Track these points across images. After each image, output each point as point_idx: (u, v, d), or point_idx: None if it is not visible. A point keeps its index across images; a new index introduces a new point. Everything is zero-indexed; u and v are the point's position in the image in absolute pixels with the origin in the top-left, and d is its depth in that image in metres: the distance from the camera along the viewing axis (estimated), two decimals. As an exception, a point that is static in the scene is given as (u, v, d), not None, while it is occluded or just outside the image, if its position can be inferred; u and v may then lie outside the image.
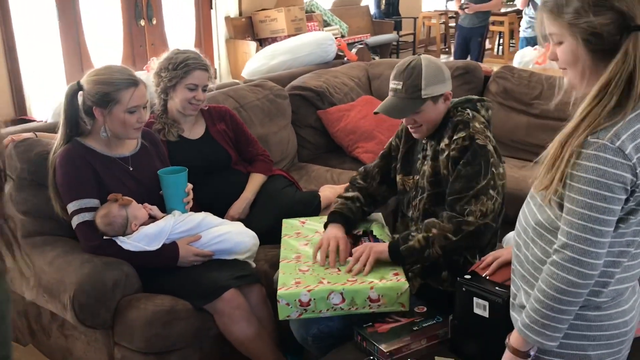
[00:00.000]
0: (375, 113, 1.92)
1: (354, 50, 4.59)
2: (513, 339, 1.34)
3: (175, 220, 2.07)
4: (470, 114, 1.86)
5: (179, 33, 5.78)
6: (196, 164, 2.36)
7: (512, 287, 1.43)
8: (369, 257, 1.81)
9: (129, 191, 2.09)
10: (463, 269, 1.89)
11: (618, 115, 1.17)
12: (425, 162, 1.93)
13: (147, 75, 2.87)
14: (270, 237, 2.30)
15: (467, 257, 1.92)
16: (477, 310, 1.59)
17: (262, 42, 6.39)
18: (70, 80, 4.09)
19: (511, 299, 1.42)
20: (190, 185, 2.20)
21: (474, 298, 1.59)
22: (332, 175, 3.01)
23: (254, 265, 2.20)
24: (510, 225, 2.58)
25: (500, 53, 9.45)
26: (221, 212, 2.40)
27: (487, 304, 1.56)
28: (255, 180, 2.61)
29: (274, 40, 6.43)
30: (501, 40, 9.49)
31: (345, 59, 4.19)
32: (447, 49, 9.83)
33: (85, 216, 2.00)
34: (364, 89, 3.72)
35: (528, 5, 4.56)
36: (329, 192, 2.73)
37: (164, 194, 2.17)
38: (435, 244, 1.76)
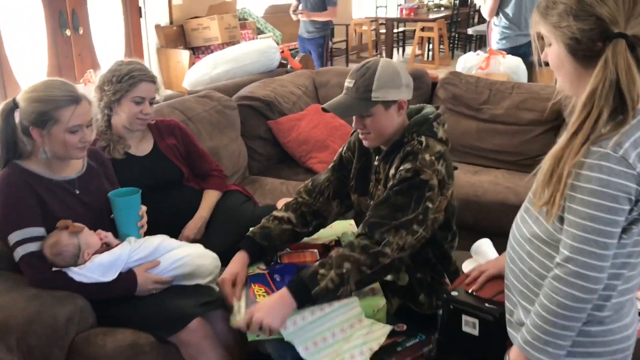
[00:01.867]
0: (324, 110, 1.82)
1: (297, 58, 4.50)
2: (514, 355, 1.28)
3: (131, 247, 1.91)
4: (424, 143, 1.72)
5: (108, 43, 5.55)
6: (146, 183, 2.20)
7: (507, 304, 1.38)
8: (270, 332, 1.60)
9: (77, 217, 1.91)
10: (436, 289, 1.85)
11: (618, 123, 1.14)
12: (379, 187, 1.84)
13: (85, 88, 2.69)
14: (231, 257, 2.16)
15: (434, 276, 1.86)
16: (465, 329, 1.53)
17: (195, 51, 6.22)
18: (-9, 96, 3.83)
19: (507, 316, 1.37)
20: (144, 208, 2.04)
21: (463, 315, 1.53)
22: (287, 188, 2.91)
23: (217, 289, 2.06)
24: (469, 231, 2.58)
25: (430, 59, 9.64)
26: (174, 233, 2.25)
27: (477, 321, 1.51)
28: (210, 197, 2.48)
29: (207, 48, 6.27)
30: (430, 46, 9.68)
31: (289, 67, 4.10)
32: (378, 55, 9.93)
33: (30, 247, 1.81)
34: (312, 98, 3.64)
35: (497, 15, 4.25)
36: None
37: (116, 218, 2.00)
38: (350, 280, 1.62)
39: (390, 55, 9.94)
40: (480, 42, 10.79)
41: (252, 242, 1.91)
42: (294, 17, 5.73)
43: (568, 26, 1.18)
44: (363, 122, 1.79)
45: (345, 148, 2.03)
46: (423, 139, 1.73)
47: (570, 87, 1.25)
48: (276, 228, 1.94)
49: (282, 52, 3.94)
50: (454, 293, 1.57)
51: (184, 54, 5.96)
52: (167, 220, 2.28)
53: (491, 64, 3.67)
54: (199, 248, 2.08)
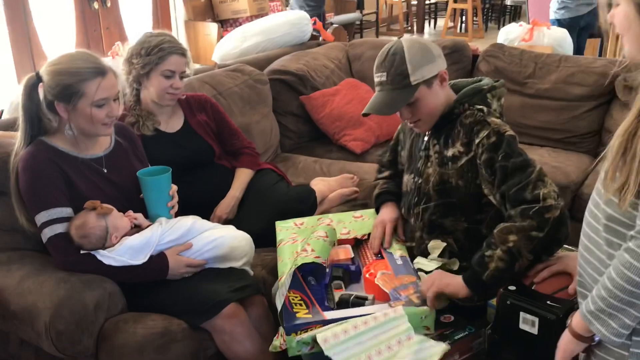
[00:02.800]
0: (364, 115, 1.68)
1: (329, 30, 4.34)
2: (575, 322, 1.17)
3: (162, 228, 1.82)
4: (484, 110, 1.60)
5: (135, 16, 5.46)
6: (176, 160, 2.11)
7: (579, 299, 1.24)
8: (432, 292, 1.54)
9: (106, 197, 1.83)
10: None
11: None
12: (429, 165, 1.70)
13: (113, 62, 2.59)
14: (265, 239, 2.07)
15: None
16: (523, 326, 1.40)
17: (223, 24, 6.10)
18: (20, 70, 3.75)
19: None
20: (174, 187, 1.95)
21: (521, 313, 1.40)
22: (320, 167, 2.79)
23: (251, 272, 1.97)
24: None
25: (462, 31, 9.34)
26: (205, 213, 2.15)
27: (536, 320, 1.38)
28: (243, 176, 2.38)
29: (235, 21, 6.14)
30: (463, 18, 9.37)
31: (321, 39, 3.94)
32: (409, 28, 9.66)
33: (58, 228, 1.73)
34: (345, 71, 3.49)
35: None
36: (322, 186, 2.53)
37: (146, 199, 1.91)
38: (522, 251, 1.46)
39: (421, 27, 9.67)
40: (515, 13, 10.44)
41: (389, 193, 1.91)
42: None
43: None
44: (410, 111, 1.65)
45: (400, 127, 1.94)
46: (480, 107, 1.62)
47: (637, 52, 1.12)
48: (392, 183, 1.94)
49: (314, 23, 3.78)
50: (512, 287, 1.44)
51: (212, 27, 5.84)
52: (197, 200, 2.19)
53: (535, 35, 3.48)
54: (232, 230, 1.98)
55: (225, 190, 2.33)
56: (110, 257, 1.74)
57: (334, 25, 4.78)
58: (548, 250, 1.53)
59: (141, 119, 2.23)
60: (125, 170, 1.93)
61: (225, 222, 2.24)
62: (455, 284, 1.54)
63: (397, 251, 1.76)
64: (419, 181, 1.72)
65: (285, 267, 1.70)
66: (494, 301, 1.70)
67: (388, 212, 1.85)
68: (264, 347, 1.81)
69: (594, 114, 2.92)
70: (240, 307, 1.79)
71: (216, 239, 1.89)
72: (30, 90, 1.77)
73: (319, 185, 2.53)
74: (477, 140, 1.58)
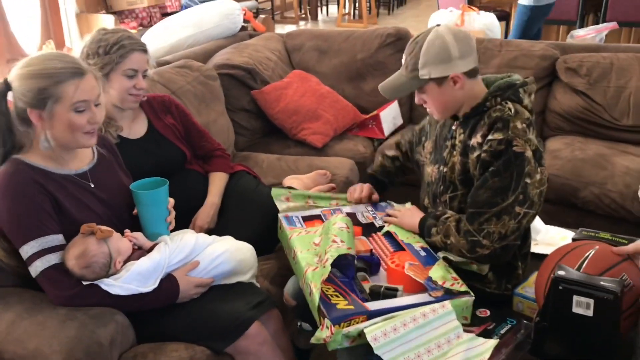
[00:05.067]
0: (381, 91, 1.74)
1: (258, 20, 4.18)
2: None
3: (170, 249, 1.64)
4: (513, 110, 1.59)
5: (21, 9, 4.98)
6: (145, 168, 1.93)
7: None
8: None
9: (96, 216, 1.63)
10: (508, 271, 1.73)
11: None
12: (455, 154, 1.69)
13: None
14: (258, 247, 1.94)
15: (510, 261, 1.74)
16: (577, 310, 1.42)
17: (119, 15, 5.73)
18: None
19: None
20: (172, 201, 1.77)
21: (575, 296, 1.41)
22: (287, 164, 2.68)
23: (258, 285, 1.84)
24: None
25: (357, 17, 9.45)
26: (182, 224, 1.98)
27: (592, 301, 1.39)
28: (218, 181, 2.22)
29: (131, 12, 5.79)
30: (357, 4, 9.49)
31: (251, 29, 3.79)
32: (303, 15, 9.63)
33: (52, 259, 1.50)
34: (286, 63, 3.38)
35: None
36: (296, 184, 2.43)
37: (142, 215, 1.72)
38: (453, 251, 1.65)
39: (315, 15, 9.68)
40: (401, -1, 10.76)
41: (375, 180, 2.08)
42: None
43: None
44: (421, 97, 1.68)
45: (427, 118, 1.93)
46: (510, 104, 1.59)
47: None
48: (392, 166, 2.08)
49: (244, 13, 3.62)
50: (560, 272, 1.45)
51: (108, 19, 5.47)
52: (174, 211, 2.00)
53: (466, 20, 3.56)
54: (233, 241, 1.84)
55: (200, 197, 2.16)
56: (117, 285, 1.54)
57: (262, 16, 4.60)
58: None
59: (103, 126, 2.00)
60: (112, 184, 1.72)
61: (207, 232, 2.08)
62: (412, 225, 1.77)
63: (416, 243, 1.73)
64: (444, 170, 1.71)
65: (308, 259, 1.62)
66: (520, 289, 1.74)
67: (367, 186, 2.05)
68: (287, 362, 1.72)
69: (538, 96, 3.04)
70: (262, 325, 1.67)
71: (222, 254, 1.74)
72: None
73: (293, 183, 2.43)
74: (489, 137, 1.58)
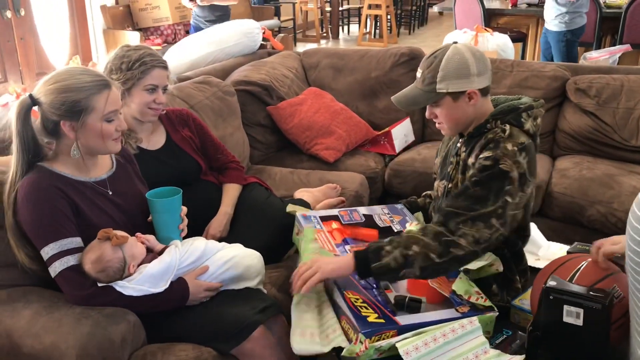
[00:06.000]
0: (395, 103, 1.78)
1: (277, 39, 4.30)
2: None
3: (180, 252, 1.73)
4: (507, 132, 1.63)
5: (51, 25, 5.17)
6: (162, 179, 2.01)
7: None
8: (313, 276, 1.59)
9: (113, 222, 1.72)
10: (507, 284, 1.78)
11: None
12: (458, 170, 1.75)
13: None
14: (267, 256, 2.02)
15: (506, 273, 1.77)
16: (567, 319, 1.47)
17: (144, 32, 5.91)
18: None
19: None
20: (184, 209, 1.87)
21: (565, 306, 1.47)
22: (299, 177, 2.77)
23: (265, 291, 1.92)
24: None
25: (377, 37, 9.59)
26: (196, 232, 2.07)
27: (581, 311, 1.45)
28: (232, 192, 2.31)
29: (157, 29, 5.96)
30: (377, 24, 9.62)
31: (270, 48, 3.91)
32: (325, 34, 9.79)
33: (70, 260, 1.60)
34: (302, 80, 3.49)
35: None
36: (307, 197, 2.51)
37: (156, 222, 1.81)
38: (415, 264, 1.55)
39: (336, 34, 9.83)
40: (423, 18, 10.87)
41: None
42: (193, 6, 5.05)
43: None
44: (434, 112, 1.72)
45: (444, 138, 1.98)
46: (507, 127, 1.65)
47: None
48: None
49: (264, 32, 3.74)
50: (552, 282, 1.50)
51: (133, 35, 5.64)
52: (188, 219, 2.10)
53: (480, 41, 3.63)
54: (242, 248, 1.92)
55: (214, 207, 2.25)
56: (130, 287, 1.63)
57: (281, 35, 4.74)
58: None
59: (123, 137, 2.10)
60: (129, 192, 1.82)
61: (219, 240, 2.16)
62: (340, 267, 1.60)
63: None
64: (449, 186, 1.77)
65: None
66: (517, 301, 1.79)
67: None
68: (291, 368, 1.78)
69: (548, 116, 3.10)
70: (266, 329, 1.74)
71: (230, 259, 1.82)
72: (25, 115, 1.63)
73: (304, 196, 2.51)
74: (480, 155, 1.64)
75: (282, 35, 4.69)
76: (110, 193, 1.76)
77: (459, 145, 1.78)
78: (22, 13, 4.76)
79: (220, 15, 5.05)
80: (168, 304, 1.69)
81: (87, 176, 1.73)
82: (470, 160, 1.68)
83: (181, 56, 3.60)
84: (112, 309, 1.60)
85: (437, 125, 1.76)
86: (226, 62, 3.49)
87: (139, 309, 1.65)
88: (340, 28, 10.19)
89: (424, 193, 2.09)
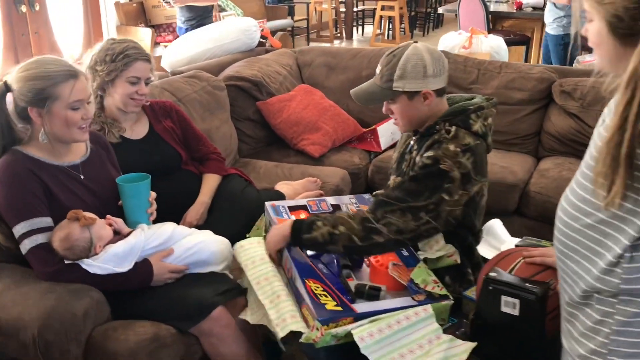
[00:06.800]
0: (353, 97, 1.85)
1: (275, 37, 4.39)
2: None
3: (145, 235, 1.82)
4: (452, 134, 1.67)
5: (65, 20, 5.30)
6: (143, 167, 2.10)
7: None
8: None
9: (84, 204, 1.81)
10: (460, 276, 1.84)
11: None
12: (410, 168, 1.81)
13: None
14: (238, 243, 2.10)
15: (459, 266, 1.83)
16: (505, 309, 1.53)
17: (156, 29, 6.02)
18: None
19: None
20: (153, 194, 1.96)
21: (502, 296, 1.52)
22: (282, 171, 2.85)
23: (231, 276, 2.00)
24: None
25: (390, 38, 9.63)
26: (174, 219, 2.15)
27: (517, 302, 1.50)
28: (211, 182, 2.40)
29: (169, 26, 6.08)
30: (390, 25, 9.67)
31: (269, 45, 3.99)
32: (339, 34, 9.86)
33: (39, 238, 1.70)
34: (296, 78, 3.57)
35: None
36: (287, 189, 2.59)
37: (125, 205, 1.90)
38: (339, 242, 1.63)
39: (350, 34, 9.89)
40: (438, 21, 10.87)
41: None
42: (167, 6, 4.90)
43: (612, 3, 1.15)
44: (390, 108, 1.78)
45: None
46: (453, 129, 1.69)
47: (609, 65, 1.22)
48: None
49: (262, 30, 3.83)
50: (492, 274, 1.56)
51: (146, 32, 5.75)
52: (165, 206, 2.17)
53: (474, 43, 3.67)
54: (211, 235, 2.01)
55: (193, 196, 2.34)
56: (95, 265, 1.72)
57: (280, 33, 4.82)
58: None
59: (106, 126, 2.21)
60: (101, 177, 1.91)
61: (196, 228, 2.25)
62: (278, 240, 1.75)
63: None
64: (399, 180, 1.83)
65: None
66: (469, 292, 1.84)
67: None
68: (250, 349, 1.86)
69: (534, 117, 3.14)
70: (226, 310, 1.82)
71: (197, 244, 1.91)
72: (0, 100, 1.74)
73: (284, 188, 2.59)
74: (424, 154, 1.69)
75: (280, 33, 4.77)
76: (82, 177, 1.86)
77: (412, 143, 1.83)
78: (37, 8, 4.89)
79: (198, 16, 4.81)
80: (132, 283, 1.78)
81: (61, 160, 1.82)
82: (417, 158, 1.74)
83: (180, 52, 3.71)
84: (77, 286, 1.70)
85: (393, 121, 1.82)
86: (223, 58, 3.58)
87: (104, 287, 1.75)
88: (355, 29, 10.25)
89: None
